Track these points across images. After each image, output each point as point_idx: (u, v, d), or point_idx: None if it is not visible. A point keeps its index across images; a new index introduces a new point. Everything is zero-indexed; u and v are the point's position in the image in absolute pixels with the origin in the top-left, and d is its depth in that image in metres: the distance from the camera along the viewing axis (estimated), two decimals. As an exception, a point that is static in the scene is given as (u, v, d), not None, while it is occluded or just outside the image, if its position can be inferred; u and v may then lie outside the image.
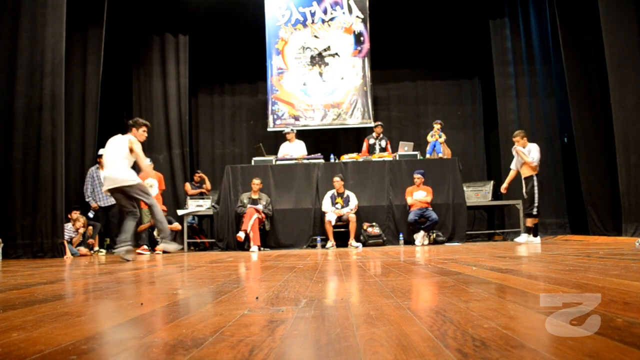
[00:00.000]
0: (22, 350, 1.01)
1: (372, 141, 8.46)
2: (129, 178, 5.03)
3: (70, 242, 6.65)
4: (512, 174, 6.73)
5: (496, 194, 8.21)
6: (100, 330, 1.25)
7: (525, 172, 6.43)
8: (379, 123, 8.78)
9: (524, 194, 6.45)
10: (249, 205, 7.12)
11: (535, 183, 6.35)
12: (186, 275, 3.08)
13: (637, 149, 6.22)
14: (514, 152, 6.60)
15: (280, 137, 8.95)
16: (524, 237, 6.44)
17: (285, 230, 7.37)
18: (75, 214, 6.95)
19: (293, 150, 8.29)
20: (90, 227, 7.23)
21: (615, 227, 6.90)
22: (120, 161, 5.04)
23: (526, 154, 6.38)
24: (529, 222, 6.49)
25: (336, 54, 9.82)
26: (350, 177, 7.52)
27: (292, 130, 8.60)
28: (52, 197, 6.22)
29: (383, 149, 8.34)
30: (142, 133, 5.29)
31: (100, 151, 7.71)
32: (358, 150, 8.55)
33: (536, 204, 6.34)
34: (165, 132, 9.47)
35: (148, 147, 9.34)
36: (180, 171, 9.41)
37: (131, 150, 5.03)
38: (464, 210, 7.42)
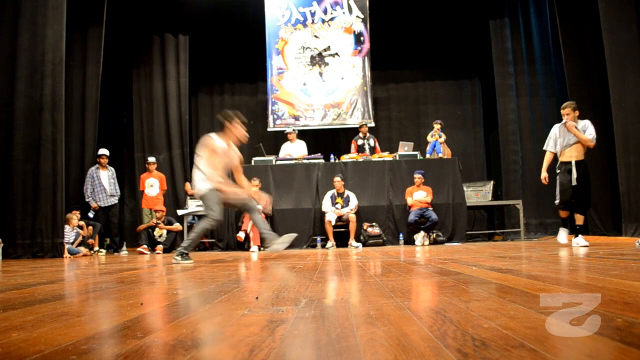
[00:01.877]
0: (22, 350, 1.01)
1: (360, 142, 8.44)
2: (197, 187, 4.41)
3: (71, 243, 6.66)
4: (549, 158, 5.24)
5: (496, 194, 8.21)
6: (100, 330, 1.25)
7: (576, 154, 5.04)
8: (363, 123, 8.81)
9: (574, 180, 4.97)
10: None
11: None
12: (186, 275, 3.08)
13: (637, 149, 6.22)
14: (557, 130, 5.20)
15: (280, 137, 8.94)
16: (581, 239, 4.93)
17: (285, 230, 7.30)
18: (76, 215, 6.94)
19: (294, 150, 8.29)
20: (90, 227, 7.23)
21: (615, 227, 6.90)
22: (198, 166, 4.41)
23: (581, 131, 5.00)
24: (581, 219, 5.14)
25: (336, 53, 9.82)
26: (350, 177, 7.52)
27: (293, 130, 8.60)
28: (52, 197, 6.22)
29: (372, 149, 8.34)
30: (236, 126, 4.43)
31: (101, 151, 7.73)
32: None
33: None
34: (165, 132, 9.47)
35: (148, 148, 9.37)
36: (180, 171, 9.41)
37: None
38: (464, 210, 7.42)
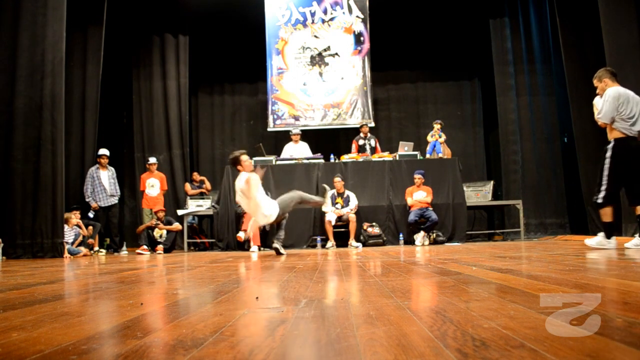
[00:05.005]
0: (22, 350, 1.01)
1: (361, 142, 8.43)
2: None
3: (71, 243, 6.65)
4: None
5: (496, 194, 8.21)
6: (100, 330, 1.25)
7: (609, 136, 4.36)
8: (364, 123, 8.81)
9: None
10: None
11: (608, 154, 4.21)
12: (186, 275, 3.08)
13: (637, 148, 6.20)
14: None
15: (280, 137, 8.94)
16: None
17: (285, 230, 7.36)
18: (74, 214, 6.93)
19: (297, 151, 8.25)
20: (91, 227, 7.22)
21: (615, 227, 6.88)
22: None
23: (597, 107, 4.30)
24: None
25: (336, 54, 9.82)
26: (350, 177, 7.52)
27: (300, 131, 8.59)
28: (52, 197, 6.22)
29: (373, 149, 8.34)
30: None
31: (101, 151, 7.73)
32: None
33: (603, 185, 4.21)
34: (165, 132, 9.47)
35: (148, 148, 9.37)
36: (180, 171, 9.41)
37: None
38: (464, 210, 7.42)
